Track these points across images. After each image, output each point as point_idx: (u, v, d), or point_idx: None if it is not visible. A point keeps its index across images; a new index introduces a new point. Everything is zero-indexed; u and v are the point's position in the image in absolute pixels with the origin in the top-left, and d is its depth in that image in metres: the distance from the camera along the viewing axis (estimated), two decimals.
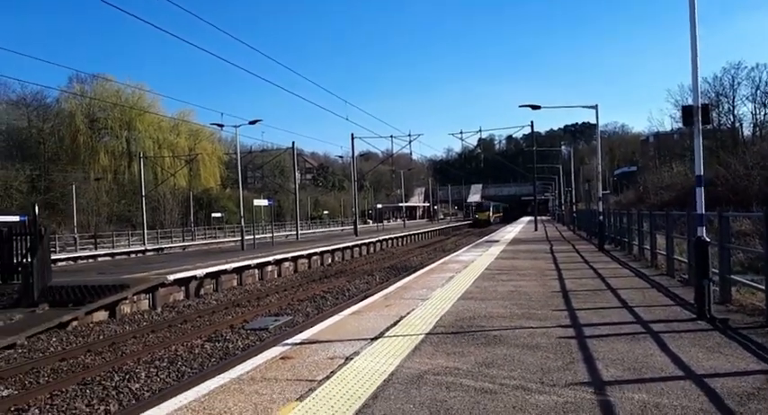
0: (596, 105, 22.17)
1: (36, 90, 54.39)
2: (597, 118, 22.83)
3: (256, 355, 6.42)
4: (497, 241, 27.92)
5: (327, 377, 5.21)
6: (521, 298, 9.49)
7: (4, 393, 8.03)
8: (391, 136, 47.48)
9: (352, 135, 42.90)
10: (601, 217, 21.36)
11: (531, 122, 39.72)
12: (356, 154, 47.72)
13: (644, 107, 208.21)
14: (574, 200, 53.40)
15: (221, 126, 34.57)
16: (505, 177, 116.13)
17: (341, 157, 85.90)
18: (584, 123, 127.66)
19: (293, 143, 43.80)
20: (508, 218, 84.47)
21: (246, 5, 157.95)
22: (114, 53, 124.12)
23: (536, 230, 38.21)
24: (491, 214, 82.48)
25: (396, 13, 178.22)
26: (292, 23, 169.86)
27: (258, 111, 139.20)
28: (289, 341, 6.93)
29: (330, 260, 27.60)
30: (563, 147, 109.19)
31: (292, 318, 13.08)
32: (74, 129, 54.74)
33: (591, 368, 5.24)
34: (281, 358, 6.00)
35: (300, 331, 7.89)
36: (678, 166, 52.64)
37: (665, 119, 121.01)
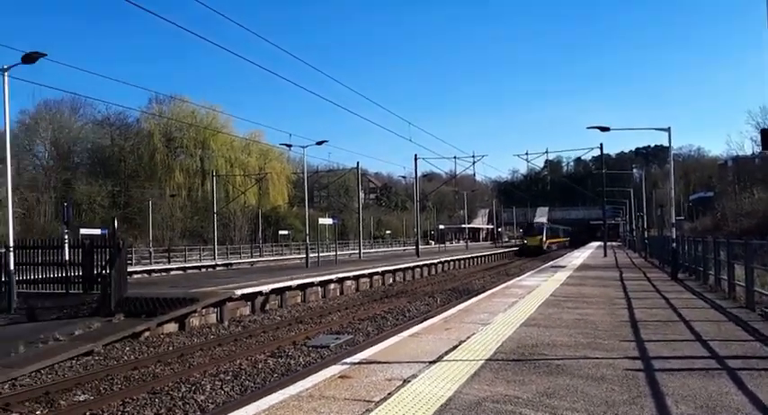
0: (669, 127, 21.33)
1: (119, 110, 58.03)
2: (670, 140, 21.95)
3: (316, 372, 6.52)
4: (564, 266, 27.20)
5: (384, 399, 5.23)
6: (587, 327, 9.21)
7: (81, 398, 8.48)
8: (455, 157, 47.45)
9: (416, 155, 43.13)
10: (674, 244, 20.46)
11: (601, 144, 38.66)
12: (419, 174, 47.86)
13: (722, 130, 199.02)
14: (645, 226, 51.38)
15: (290, 146, 35.66)
16: (573, 200, 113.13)
17: (404, 177, 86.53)
18: (656, 146, 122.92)
19: (358, 163, 44.47)
20: (576, 243, 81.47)
21: (315, 30, 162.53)
22: (190, 75, 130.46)
23: (605, 256, 36.96)
24: (545, 238, 62.84)
25: (463, 35, 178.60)
26: (357, 46, 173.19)
27: (325, 132, 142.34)
28: (348, 360, 7.00)
29: (391, 280, 27.65)
30: (634, 170, 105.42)
31: (353, 337, 13.18)
32: (152, 148, 57.74)
33: (659, 404, 5.01)
34: (340, 377, 6.06)
35: (360, 351, 7.95)
36: (759, 192, 49.81)
37: (745, 142, 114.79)
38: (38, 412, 7.87)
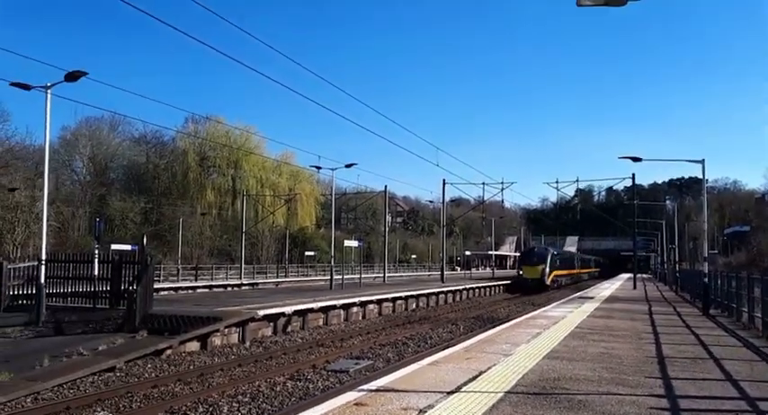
0: (703, 160, 20.94)
1: (155, 129, 59.65)
2: (704, 173, 21.55)
3: (332, 398, 6.47)
4: (592, 297, 26.70)
5: None
6: (611, 361, 8.99)
7: None
8: (483, 183, 47.16)
9: (444, 181, 43.12)
10: (706, 279, 19.95)
11: (633, 175, 38.01)
12: (447, 199, 47.73)
13: (759, 163, 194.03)
14: (677, 259, 50.22)
15: (319, 168, 35.97)
16: (604, 230, 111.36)
17: (431, 202, 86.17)
18: (690, 177, 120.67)
19: (386, 186, 44.69)
20: (605, 274, 79.75)
21: (342, 54, 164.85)
22: (224, 96, 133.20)
23: (635, 288, 36.16)
24: (548, 269, 44.04)
25: (495, 61, 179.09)
26: (387, 70, 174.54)
27: (354, 155, 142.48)
28: (365, 387, 6.94)
29: (414, 306, 27.43)
30: (667, 202, 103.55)
31: (373, 362, 13.05)
32: (185, 166, 58.95)
33: None
34: (356, 404, 6.01)
35: (378, 378, 7.87)
36: None
37: None
38: None
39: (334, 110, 61.04)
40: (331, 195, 40.97)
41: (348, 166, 33.12)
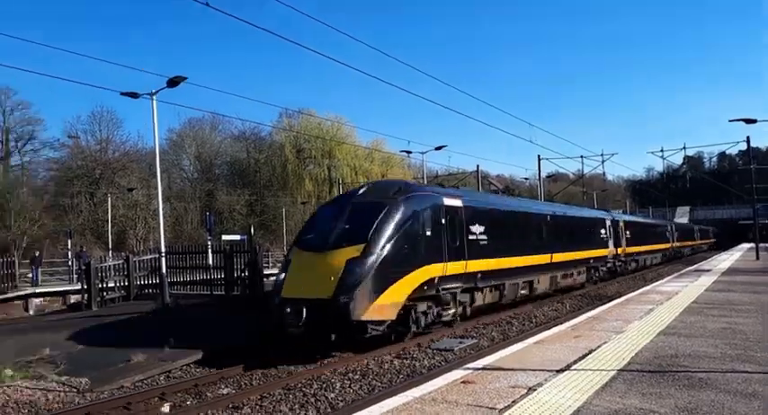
0: None
1: (253, 126, 62.73)
2: None
3: (440, 376, 6.57)
4: (708, 270, 25.10)
5: (508, 407, 5.16)
6: (735, 337, 8.45)
7: (225, 391, 9.21)
8: (581, 157, 45.21)
9: (539, 156, 41.84)
10: None
11: (747, 137, 34.88)
12: (543, 175, 46.34)
13: None
14: None
15: (409, 153, 36.27)
16: (717, 199, 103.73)
17: (526, 179, 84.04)
18: None
19: (477, 166, 44.09)
20: (723, 245, 74.40)
21: (429, 37, 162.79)
22: (316, 88, 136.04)
23: (757, 259, 33.48)
24: (379, 258, 10.89)
25: (583, 26, 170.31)
26: (475, 51, 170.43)
27: (444, 138, 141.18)
28: (471, 365, 6.99)
29: None
30: None
31: (477, 341, 13.05)
32: (283, 159, 61.31)
33: None
34: (463, 382, 6.07)
35: (484, 356, 7.88)
36: None
37: None
38: (188, 402, 8.65)
39: (420, 95, 60.82)
40: (422, 178, 41.02)
41: (438, 149, 33.12)
